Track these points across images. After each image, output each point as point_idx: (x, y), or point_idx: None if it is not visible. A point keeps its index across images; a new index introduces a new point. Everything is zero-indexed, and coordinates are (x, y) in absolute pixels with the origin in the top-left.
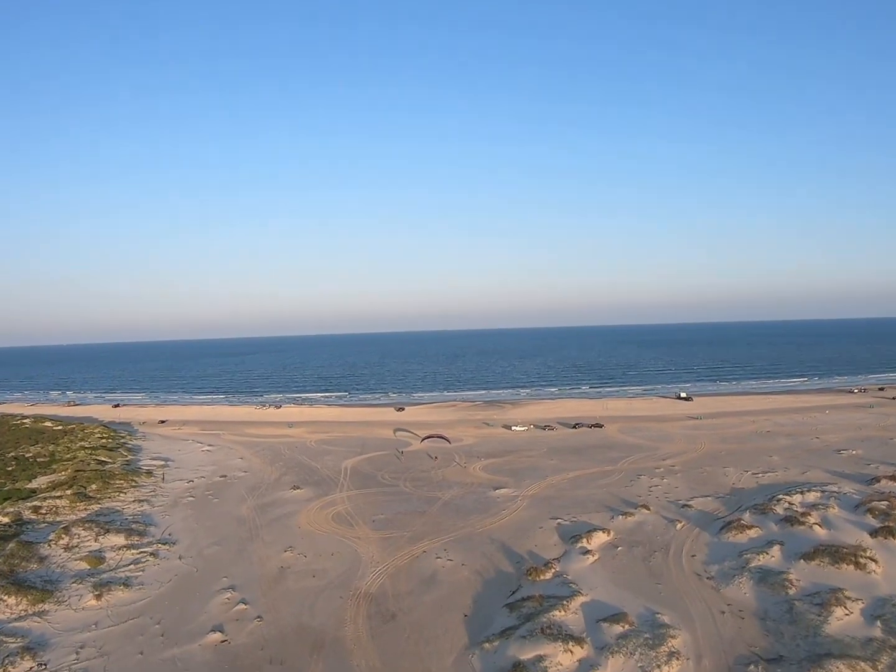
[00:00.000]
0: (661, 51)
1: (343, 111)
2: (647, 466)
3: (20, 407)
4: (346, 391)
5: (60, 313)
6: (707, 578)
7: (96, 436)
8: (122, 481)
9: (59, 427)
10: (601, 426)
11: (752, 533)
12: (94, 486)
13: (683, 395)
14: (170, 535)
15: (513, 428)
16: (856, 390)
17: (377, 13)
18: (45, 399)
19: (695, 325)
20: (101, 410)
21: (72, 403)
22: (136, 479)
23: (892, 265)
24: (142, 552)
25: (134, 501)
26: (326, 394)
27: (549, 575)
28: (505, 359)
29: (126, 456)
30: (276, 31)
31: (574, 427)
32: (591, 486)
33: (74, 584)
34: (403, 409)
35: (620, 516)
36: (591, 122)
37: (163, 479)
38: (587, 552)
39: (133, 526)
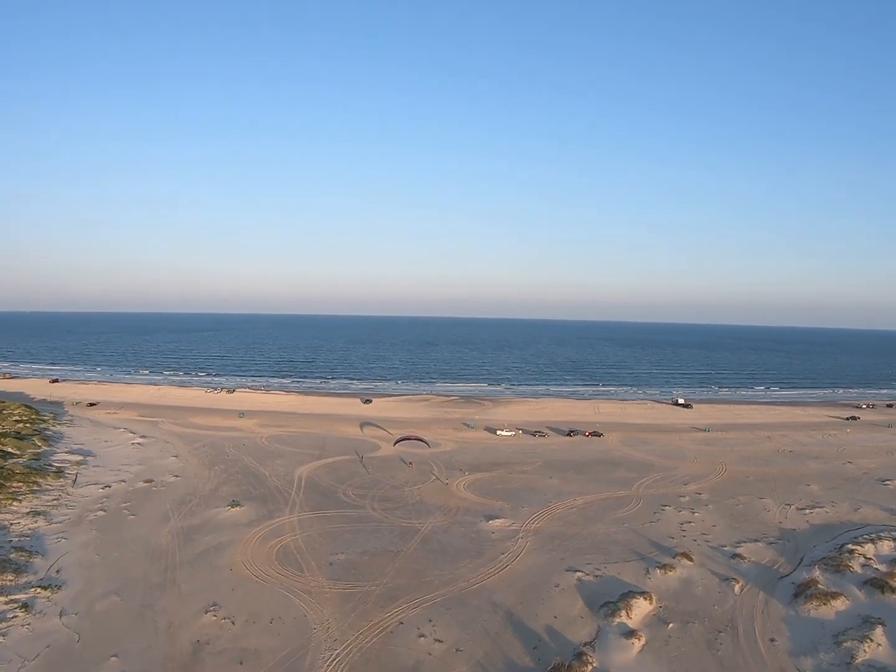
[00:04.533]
0: (650, 42)
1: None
2: (668, 493)
3: None
4: (308, 377)
5: (15, 279)
6: None
7: (13, 418)
8: (20, 483)
9: None
10: (600, 435)
11: (839, 604)
12: None
13: (682, 401)
14: (58, 572)
15: (498, 432)
16: (863, 405)
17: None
18: None
19: (670, 326)
20: (36, 385)
21: (6, 376)
22: (39, 480)
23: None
24: (11, 601)
25: (28, 514)
26: (286, 379)
27: None
28: (479, 350)
29: (39, 447)
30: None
31: (569, 434)
32: (606, 518)
33: None
34: (371, 402)
35: (657, 569)
36: (579, 110)
37: (73, 482)
38: (630, 633)
39: (12, 555)
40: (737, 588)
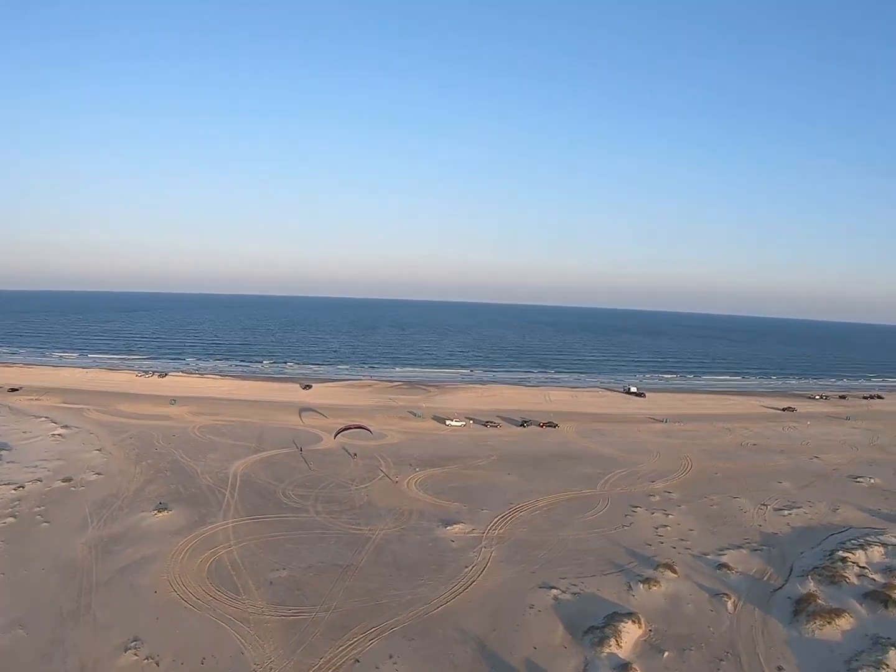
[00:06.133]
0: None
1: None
2: (636, 492)
3: None
4: (244, 360)
5: None
6: None
7: None
8: None
9: None
10: (555, 426)
11: (843, 623)
12: None
13: (634, 389)
14: None
15: (447, 422)
16: (817, 396)
17: None
18: None
19: (607, 311)
20: None
21: None
22: None
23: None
24: None
25: None
26: (221, 362)
27: None
28: (422, 333)
29: None
30: None
31: (522, 425)
32: (575, 522)
33: None
34: (311, 388)
35: (640, 584)
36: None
37: None
38: (623, 666)
39: None
40: (730, 605)
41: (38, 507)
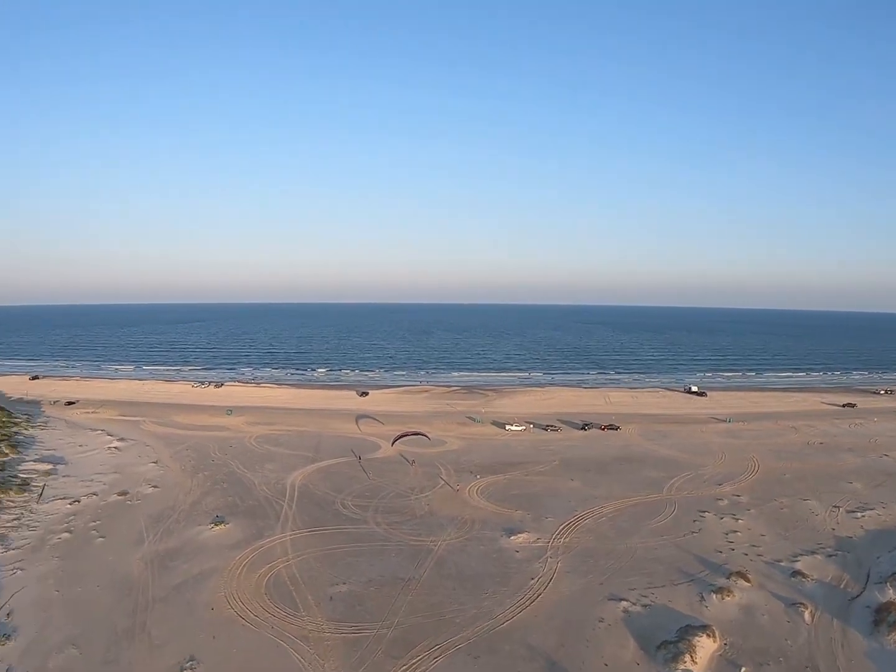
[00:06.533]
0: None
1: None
2: (703, 496)
3: None
4: (300, 369)
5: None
6: None
7: None
8: None
9: None
10: (617, 428)
11: None
12: None
13: (695, 388)
14: (8, 615)
15: (507, 427)
16: (882, 391)
17: None
18: None
19: (662, 310)
20: (13, 383)
21: None
22: (0, 496)
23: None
24: None
25: None
26: (277, 371)
27: None
28: (477, 337)
29: (6, 455)
30: None
31: (583, 428)
32: (642, 529)
33: None
34: (367, 394)
35: (713, 594)
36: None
37: (39, 496)
38: None
39: None
40: (807, 615)
41: (94, 521)
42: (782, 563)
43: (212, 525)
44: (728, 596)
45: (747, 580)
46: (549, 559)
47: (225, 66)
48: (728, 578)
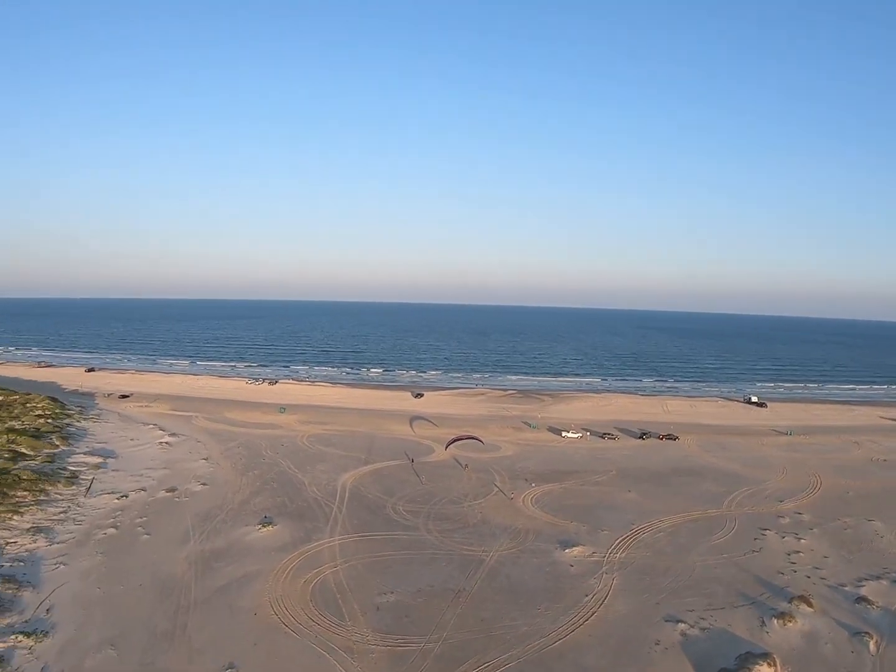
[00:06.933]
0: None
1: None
2: (764, 512)
3: None
4: (356, 368)
5: (60, 265)
6: None
7: (35, 413)
8: (26, 491)
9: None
10: (675, 438)
11: None
12: None
13: (755, 399)
14: (48, 611)
15: (563, 434)
16: None
17: None
18: (8, 357)
19: (717, 316)
20: (70, 375)
21: (40, 364)
22: (49, 487)
23: None
24: None
25: (28, 530)
26: (333, 369)
27: None
28: (534, 340)
29: (56, 446)
30: None
31: (641, 437)
32: (701, 546)
33: None
34: (422, 396)
35: (774, 619)
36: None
37: (88, 490)
38: None
39: None
40: (871, 645)
41: (141, 517)
42: (846, 588)
43: (259, 526)
44: (790, 622)
45: (810, 605)
46: (604, 575)
47: (226, 66)
48: (790, 602)
